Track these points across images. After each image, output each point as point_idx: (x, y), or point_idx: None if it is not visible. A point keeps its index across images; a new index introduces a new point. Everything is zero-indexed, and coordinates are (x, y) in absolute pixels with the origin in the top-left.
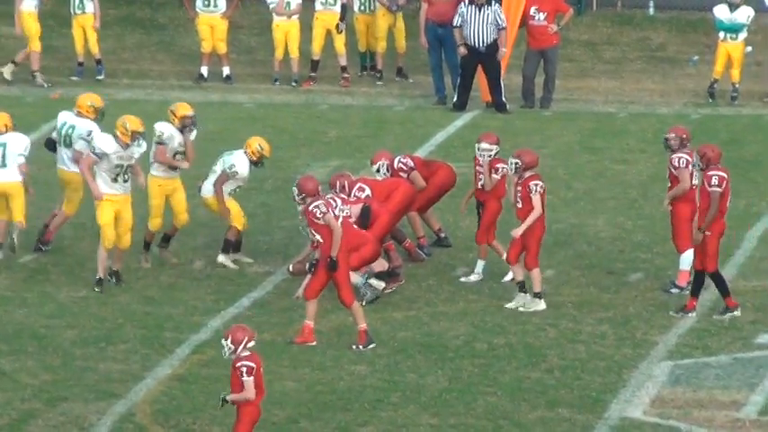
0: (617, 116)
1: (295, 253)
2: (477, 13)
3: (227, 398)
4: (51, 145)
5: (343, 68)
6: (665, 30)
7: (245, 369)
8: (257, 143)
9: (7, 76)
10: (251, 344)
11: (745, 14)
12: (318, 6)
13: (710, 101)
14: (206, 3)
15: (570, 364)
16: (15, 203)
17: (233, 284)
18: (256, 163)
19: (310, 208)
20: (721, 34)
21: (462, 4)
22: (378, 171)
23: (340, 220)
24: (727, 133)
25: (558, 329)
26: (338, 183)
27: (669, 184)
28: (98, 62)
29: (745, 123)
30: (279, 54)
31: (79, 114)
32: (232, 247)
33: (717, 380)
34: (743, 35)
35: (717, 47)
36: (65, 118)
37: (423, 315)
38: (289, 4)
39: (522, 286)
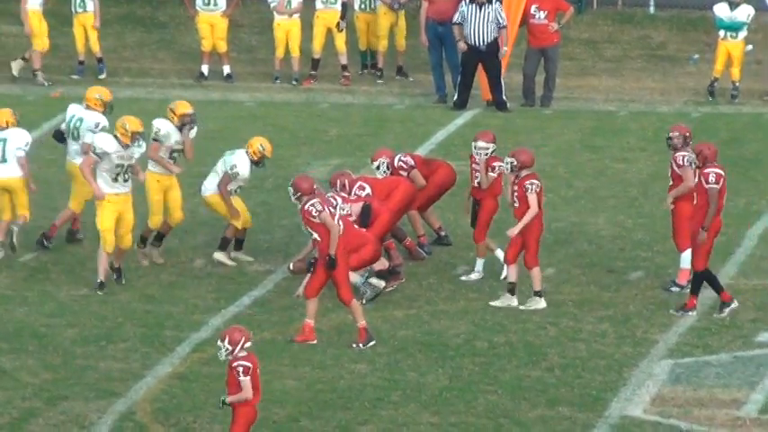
0: (617, 114)
1: (296, 251)
2: (478, 11)
3: (227, 400)
4: (59, 136)
5: (344, 67)
6: (666, 28)
7: (241, 369)
8: (259, 143)
9: (15, 72)
10: (248, 344)
11: (745, 13)
12: (319, 5)
13: (711, 99)
14: (206, 1)
15: (571, 362)
16: (18, 198)
17: (233, 283)
18: (257, 163)
19: (306, 207)
20: (721, 33)
21: (463, 2)
22: (378, 168)
23: (337, 217)
24: (728, 132)
25: (559, 328)
26: (339, 181)
27: (671, 183)
28: (99, 61)
29: (746, 122)
30: (280, 53)
31: (88, 107)
32: (229, 244)
33: (717, 378)
34: (743, 34)
35: (717, 45)
36: (74, 111)
37: (423, 313)
38: (290, 2)
39: (512, 289)
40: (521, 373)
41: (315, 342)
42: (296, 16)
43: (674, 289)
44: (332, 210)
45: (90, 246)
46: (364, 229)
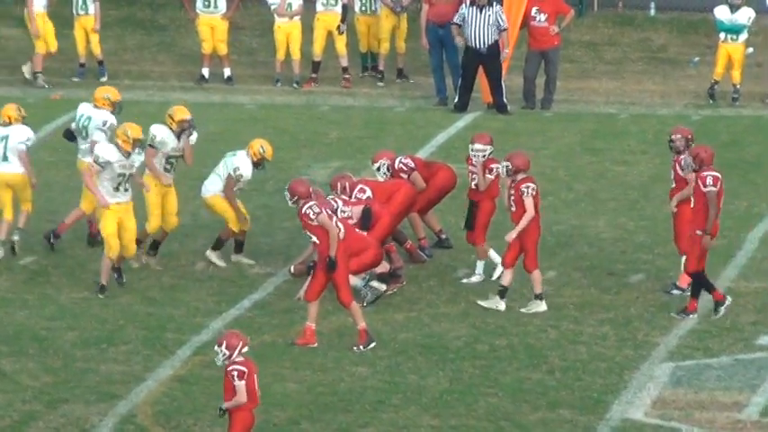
0: (618, 117)
1: (296, 254)
2: (479, 14)
3: (223, 406)
4: (69, 135)
5: (345, 69)
6: (666, 31)
7: (236, 373)
8: (259, 145)
9: (27, 74)
10: (245, 349)
11: (745, 15)
12: (319, 7)
13: (711, 102)
14: (206, 3)
15: (571, 365)
16: (21, 194)
17: (234, 286)
18: (257, 165)
19: (303, 210)
20: (722, 35)
21: (463, 4)
22: (378, 170)
23: (335, 219)
24: (728, 134)
25: (560, 331)
26: (339, 184)
27: (673, 186)
28: (100, 63)
29: (746, 124)
30: (280, 55)
31: (96, 107)
32: (223, 244)
33: (718, 381)
34: (744, 36)
35: (717, 48)
36: (83, 110)
37: (424, 316)
38: (290, 5)
39: (503, 293)
40: (521, 375)
41: (315, 345)
42: (296, 19)
43: (675, 292)
44: (329, 212)
45: (90, 249)
46: (365, 233)
